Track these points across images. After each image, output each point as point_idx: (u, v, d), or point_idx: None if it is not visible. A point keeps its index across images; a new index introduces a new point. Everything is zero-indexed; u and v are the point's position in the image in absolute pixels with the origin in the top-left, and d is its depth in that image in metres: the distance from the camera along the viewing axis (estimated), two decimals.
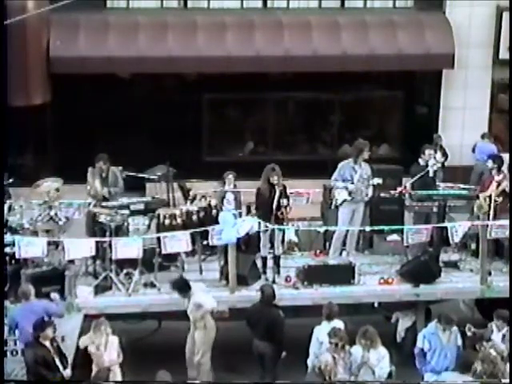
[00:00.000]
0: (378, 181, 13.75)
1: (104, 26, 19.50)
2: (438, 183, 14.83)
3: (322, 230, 14.20)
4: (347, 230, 13.82)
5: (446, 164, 18.59)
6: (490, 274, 13.44)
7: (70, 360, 11.59)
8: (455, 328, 11.72)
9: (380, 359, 11.15)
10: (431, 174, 14.37)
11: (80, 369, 11.56)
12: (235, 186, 14.54)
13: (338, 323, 11.69)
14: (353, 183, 13.59)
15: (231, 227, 12.72)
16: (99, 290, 12.79)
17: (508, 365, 10.80)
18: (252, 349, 12.09)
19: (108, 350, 11.32)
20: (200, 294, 12.17)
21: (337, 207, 13.81)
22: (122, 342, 11.62)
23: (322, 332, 11.56)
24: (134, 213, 13.26)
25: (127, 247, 12.69)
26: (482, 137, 19.77)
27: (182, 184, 14.95)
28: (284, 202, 13.10)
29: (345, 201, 13.61)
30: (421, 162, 14.53)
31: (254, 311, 12.18)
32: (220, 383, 11.70)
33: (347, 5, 20.64)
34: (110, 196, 14.08)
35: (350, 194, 13.58)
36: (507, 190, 13.89)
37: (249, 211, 14.13)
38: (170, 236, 12.74)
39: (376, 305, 13.41)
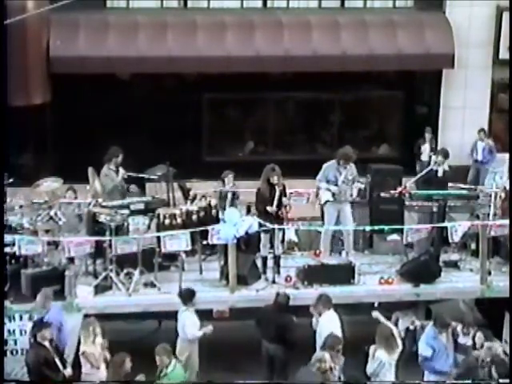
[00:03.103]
0: (359, 186, 13.72)
1: (104, 26, 19.50)
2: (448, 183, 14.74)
3: (322, 230, 14.19)
4: (335, 230, 13.79)
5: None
6: (489, 273, 13.44)
7: (70, 360, 11.63)
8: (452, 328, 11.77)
9: (372, 367, 11.08)
10: (440, 174, 14.27)
11: (80, 368, 11.55)
12: (234, 186, 14.54)
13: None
14: (337, 185, 13.57)
15: (233, 225, 12.73)
16: (99, 289, 12.79)
17: None
18: (261, 349, 12.09)
19: (98, 350, 11.35)
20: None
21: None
22: (110, 341, 11.59)
23: (331, 320, 11.68)
24: (133, 212, 13.26)
25: (127, 245, 12.76)
26: (479, 133, 19.90)
27: (181, 184, 14.95)
28: (284, 201, 13.11)
29: (327, 201, 13.61)
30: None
31: (266, 313, 12.15)
32: (220, 383, 11.68)
33: (347, 5, 20.64)
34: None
35: (333, 195, 13.57)
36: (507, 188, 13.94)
37: (249, 211, 14.13)
38: (170, 235, 12.75)
39: (376, 305, 13.40)
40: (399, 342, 11.36)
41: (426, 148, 19.73)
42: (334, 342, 10.98)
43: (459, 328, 11.94)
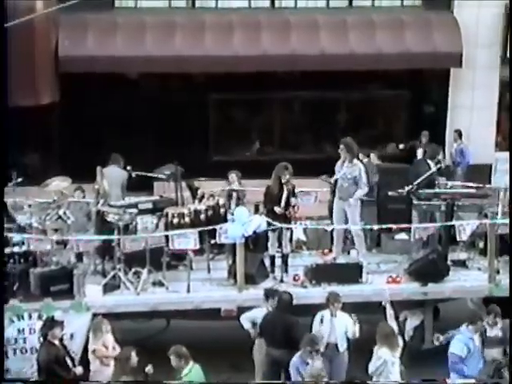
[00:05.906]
0: (361, 192, 13.49)
1: (112, 26, 19.56)
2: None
3: (329, 229, 14.18)
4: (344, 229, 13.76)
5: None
6: (498, 272, 13.41)
7: (78, 358, 11.68)
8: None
9: (374, 366, 11.01)
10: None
11: (87, 367, 11.60)
12: (239, 185, 14.56)
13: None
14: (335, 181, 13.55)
15: (241, 225, 12.74)
16: (108, 288, 12.81)
17: None
18: (265, 357, 11.91)
19: (109, 347, 11.42)
20: None
21: None
22: (118, 340, 11.62)
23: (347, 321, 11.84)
24: (142, 212, 13.28)
25: (135, 244, 12.89)
26: (454, 134, 19.82)
27: (190, 183, 14.97)
28: (292, 201, 13.12)
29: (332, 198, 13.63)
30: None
31: (269, 319, 11.99)
32: (220, 383, 11.69)
33: (355, 4, 20.67)
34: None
35: (333, 191, 13.56)
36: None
37: (257, 210, 14.15)
38: (178, 234, 12.78)
39: (383, 303, 13.39)
40: (400, 339, 11.32)
41: (419, 152, 19.24)
42: (313, 341, 11.04)
43: (486, 321, 11.64)
